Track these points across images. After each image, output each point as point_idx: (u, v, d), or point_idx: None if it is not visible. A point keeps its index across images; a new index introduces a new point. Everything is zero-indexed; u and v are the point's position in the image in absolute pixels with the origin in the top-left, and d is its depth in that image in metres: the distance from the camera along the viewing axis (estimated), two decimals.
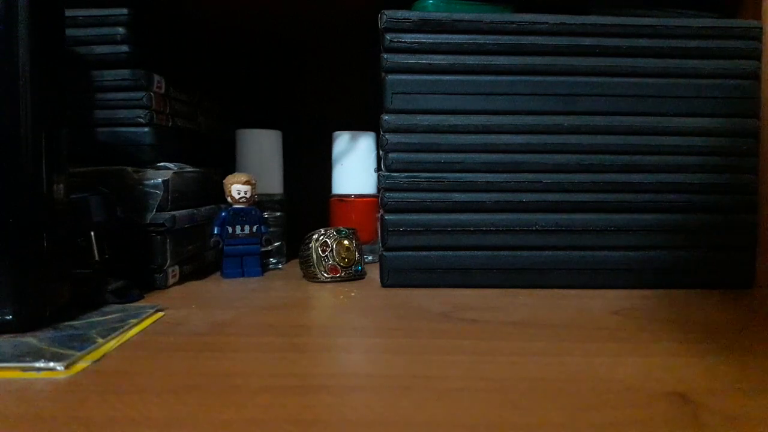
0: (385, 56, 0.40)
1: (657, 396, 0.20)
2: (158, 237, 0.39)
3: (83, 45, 0.41)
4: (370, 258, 0.51)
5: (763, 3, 0.41)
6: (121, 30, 0.41)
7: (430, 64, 0.40)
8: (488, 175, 0.40)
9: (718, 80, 0.40)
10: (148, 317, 0.31)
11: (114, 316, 0.31)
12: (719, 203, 0.40)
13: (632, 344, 0.26)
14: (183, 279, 0.43)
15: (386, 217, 0.40)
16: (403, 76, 0.40)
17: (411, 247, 0.40)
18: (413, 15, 0.40)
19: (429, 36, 0.39)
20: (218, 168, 0.51)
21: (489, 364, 0.24)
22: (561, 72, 0.40)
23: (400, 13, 0.40)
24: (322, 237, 0.42)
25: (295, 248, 0.46)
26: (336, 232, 0.43)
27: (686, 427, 0.18)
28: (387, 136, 0.40)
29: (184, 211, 0.42)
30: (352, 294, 0.38)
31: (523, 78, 0.40)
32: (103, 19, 0.41)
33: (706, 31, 0.40)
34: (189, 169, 0.45)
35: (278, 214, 0.50)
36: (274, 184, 0.51)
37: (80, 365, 0.23)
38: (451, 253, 0.40)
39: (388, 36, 0.39)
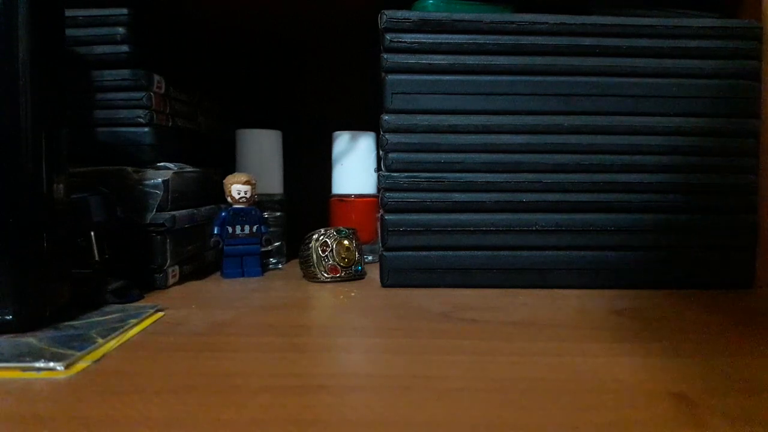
0: (385, 56, 0.40)
1: (657, 396, 0.20)
2: (158, 237, 0.39)
3: (83, 45, 0.41)
4: (370, 258, 0.51)
5: (763, 3, 0.41)
6: (121, 30, 0.41)
7: (430, 64, 0.40)
8: (488, 175, 0.40)
9: (718, 80, 0.40)
10: (148, 317, 0.31)
11: (114, 316, 0.31)
12: (719, 203, 0.40)
13: (632, 344, 0.26)
14: (183, 279, 0.43)
15: (386, 217, 0.40)
16: (403, 76, 0.40)
17: (411, 247, 0.40)
18: (413, 15, 0.40)
19: (429, 36, 0.39)
20: (218, 168, 0.51)
21: (489, 364, 0.24)
22: (561, 72, 0.40)
23: (400, 13, 0.40)
24: (322, 237, 0.42)
25: (295, 248, 0.46)
26: (336, 232, 0.43)
27: (686, 427, 0.18)
28: (387, 136, 0.40)
29: (184, 211, 0.42)
30: (352, 294, 0.38)
31: (523, 78, 0.40)
32: (103, 19, 0.41)
33: (706, 31, 0.40)
34: (189, 169, 0.45)
35: (278, 214, 0.50)
36: (274, 184, 0.51)
37: (80, 365, 0.23)
38: (451, 253, 0.40)
39: (388, 36, 0.39)
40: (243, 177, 0.44)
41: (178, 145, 0.46)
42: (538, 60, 0.40)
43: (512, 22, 0.39)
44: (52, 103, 0.29)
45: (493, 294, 0.38)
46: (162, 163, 0.42)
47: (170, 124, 0.44)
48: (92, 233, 0.35)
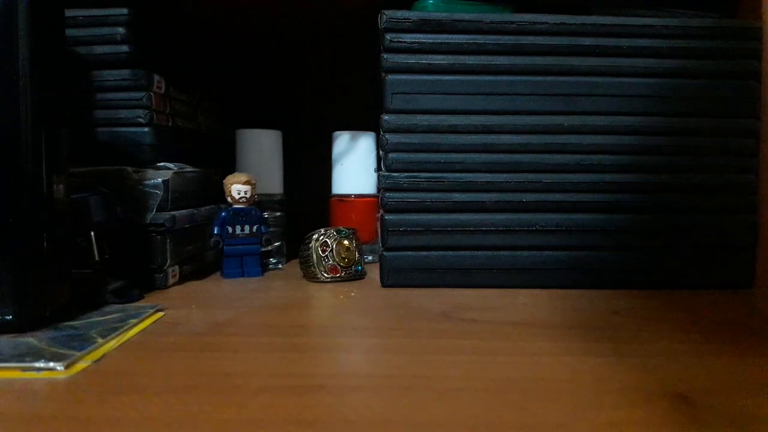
0: (385, 56, 0.40)
1: (657, 396, 0.20)
2: (158, 237, 0.39)
3: (83, 45, 0.41)
4: (370, 258, 0.51)
5: (763, 3, 0.41)
6: (121, 30, 0.41)
7: (430, 64, 0.40)
8: (488, 175, 0.40)
9: (718, 80, 0.40)
10: (148, 317, 0.31)
11: (114, 316, 0.31)
12: (719, 203, 0.40)
13: (632, 344, 0.26)
14: (183, 279, 0.43)
15: (386, 217, 0.40)
16: (403, 76, 0.40)
17: (411, 247, 0.40)
18: (413, 15, 0.40)
19: (429, 36, 0.39)
20: (218, 168, 0.51)
21: (489, 364, 0.24)
22: (561, 72, 0.40)
23: (400, 13, 0.40)
24: (322, 237, 0.42)
25: (295, 248, 0.46)
26: (336, 232, 0.43)
27: (686, 427, 0.18)
28: (387, 136, 0.40)
29: (184, 211, 0.42)
30: (352, 294, 0.38)
31: (523, 78, 0.40)
32: (103, 19, 0.41)
33: (706, 31, 0.40)
34: (189, 169, 0.45)
35: (278, 214, 0.50)
36: (274, 184, 0.51)
37: (80, 365, 0.23)
38: (451, 253, 0.40)
39: (388, 36, 0.39)
40: (243, 177, 0.44)
41: (178, 145, 0.46)
42: (538, 60, 0.40)
43: (512, 22, 0.39)
44: (52, 103, 0.29)
45: (493, 294, 0.38)
46: (162, 163, 0.42)
47: (170, 124, 0.44)
48: (92, 233, 0.35)
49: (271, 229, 0.48)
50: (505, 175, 0.40)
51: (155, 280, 0.39)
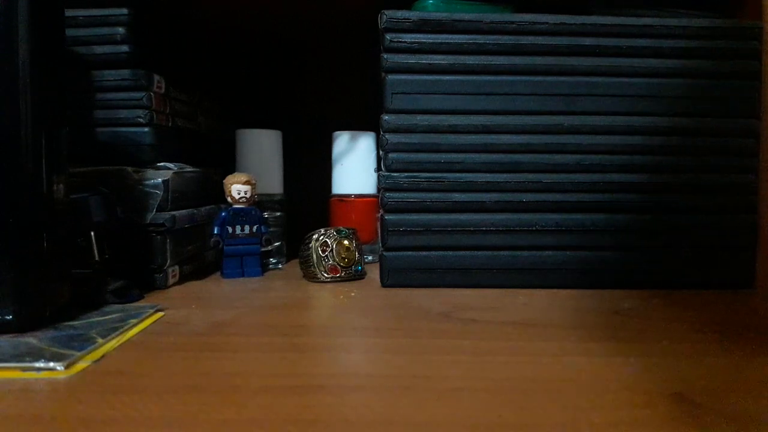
0: (385, 56, 0.40)
1: (657, 396, 0.20)
2: (158, 237, 0.39)
3: (83, 45, 0.41)
4: (370, 258, 0.51)
5: (764, 3, 0.41)
6: (121, 30, 0.41)
7: (430, 64, 0.40)
8: (488, 175, 0.40)
9: (718, 80, 0.40)
10: (148, 317, 0.31)
11: (114, 316, 0.31)
12: (719, 203, 0.40)
13: (632, 344, 0.26)
14: (183, 279, 0.43)
15: (386, 217, 0.40)
16: (403, 76, 0.40)
17: (411, 247, 0.40)
18: (413, 15, 0.40)
19: (429, 36, 0.39)
20: (218, 168, 0.51)
21: (489, 364, 0.24)
22: (561, 72, 0.40)
23: (400, 13, 0.40)
24: (322, 237, 0.42)
25: (295, 248, 0.46)
26: (336, 232, 0.43)
27: (687, 427, 0.18)
28: (387, 136, 0.40)
29: (184, 211, 0.42)
30: (352, 294, 0.38)
31: (523, 78, 0.40)
32: (103, 19, 0.41)
33: (706, 31, 0.40)
34: (189, 169, 0.45)
35: (278, 214, 0.50)
36: (274, 184, 0.51)
37: (80, 365, 0.23)
38: (451, 253, 0.40)
39: (388, 36, 0.39)
40: (243, 177, 0.44)
41: (178, 145, 0.46)
42: (538, 60, 0.40)
43: (512, 22, 0.39)
44: (52, 103, 0.29)
45: (493, 294, 0.38)
46: (162, 163, 0.42)
47: (170, 124, 0.44)
48: (92, 233, 0.35)
49: (271, 229, 0.48)
50: (505, 175, 0.40)
51: (155, 280, 0.39)
